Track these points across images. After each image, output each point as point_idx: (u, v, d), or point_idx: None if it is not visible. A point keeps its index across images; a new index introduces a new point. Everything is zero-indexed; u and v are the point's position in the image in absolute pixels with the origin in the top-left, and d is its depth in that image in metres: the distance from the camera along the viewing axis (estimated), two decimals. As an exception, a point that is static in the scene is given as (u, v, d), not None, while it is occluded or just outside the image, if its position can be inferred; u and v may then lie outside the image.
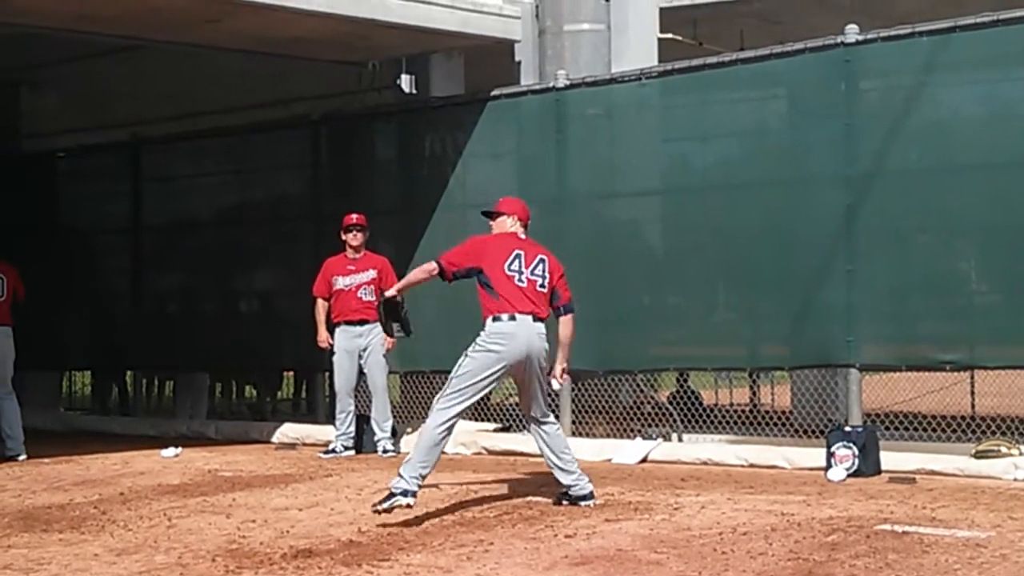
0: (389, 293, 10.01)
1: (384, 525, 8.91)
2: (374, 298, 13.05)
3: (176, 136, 18.05)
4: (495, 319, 9.36)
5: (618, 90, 13.48)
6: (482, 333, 9.35)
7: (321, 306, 13.46)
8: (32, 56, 17.85)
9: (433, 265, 9.60)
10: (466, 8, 14.43)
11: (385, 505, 8.96)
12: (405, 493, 9.01)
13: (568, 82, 13.61)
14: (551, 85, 13.80)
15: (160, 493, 10.91)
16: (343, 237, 13.36)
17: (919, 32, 11.45)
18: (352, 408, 13.37)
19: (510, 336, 9.30)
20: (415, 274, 9.83)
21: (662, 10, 15.55)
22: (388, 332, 10.26)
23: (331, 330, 13.41)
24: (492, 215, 9.92)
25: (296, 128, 16.33)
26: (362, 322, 13.19)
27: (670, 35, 15.59)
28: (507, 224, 9.84)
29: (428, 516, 9.29)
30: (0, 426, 13.76)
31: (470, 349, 9.33)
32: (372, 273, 13.19)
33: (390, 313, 9.91)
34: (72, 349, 18.60)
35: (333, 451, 13.33)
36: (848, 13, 13.30)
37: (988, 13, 11.11)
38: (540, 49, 15.03)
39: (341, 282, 13.28)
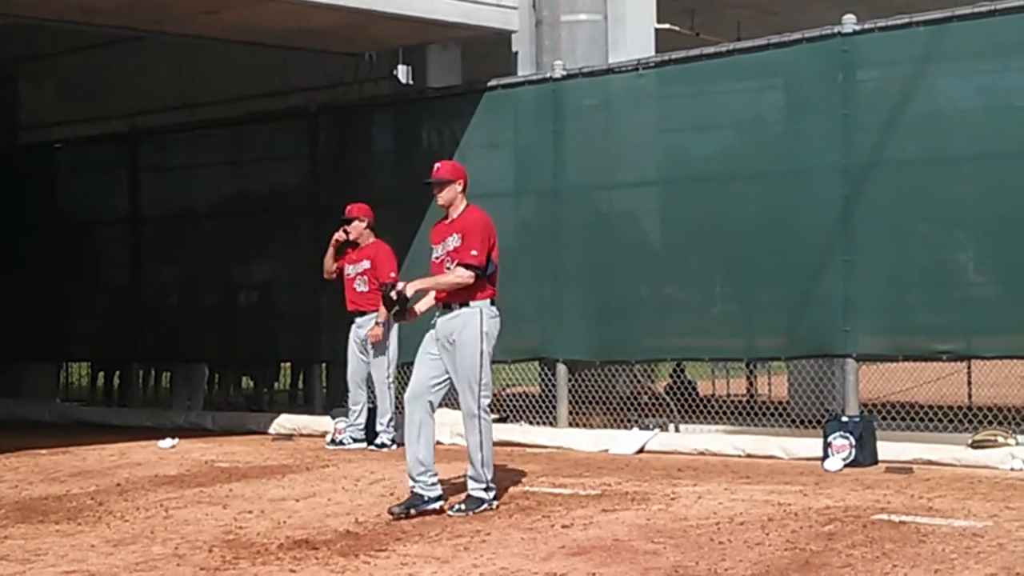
0: (401, 286, 9.21)
1: (382, 515, 8.92)
2: (368, 289, 13.08)
3: (174, 127, 18.05)
4: (493, 302, 9.27)
5: (615, 80, 13.46)
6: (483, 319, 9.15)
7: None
8: (30, 47, 17.86)
9: (470, 274, 9.10)
10: (465, -1, 14.44)
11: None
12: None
13: (565, 72, 13.60)
14: (548, 75, 13.79)
15: (157, 484, 10.93)
16: None
17: (916, 22, 11.43)
18: (364, 400, 13.32)
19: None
20: (451, 282, 9.14)
21: (659, 0, 15.54)
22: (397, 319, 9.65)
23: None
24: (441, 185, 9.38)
25: (294, 119, 16.33)
26: (359, 313, 13.20)
27: (667, 25, 15.59)
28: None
29: (425, 506, 9.31)
30: None
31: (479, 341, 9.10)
32: (366, 264, 13.18)
33: (387, 303, 9.35)
34: (69, 340, 18.61)
35: (339, 443, 13.32)
36: (845, 3, 13.28)
37: (985, 3, 11.10)
38: (537, 39, 15.03)
39: (348, 271, 13.31)
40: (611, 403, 13.50)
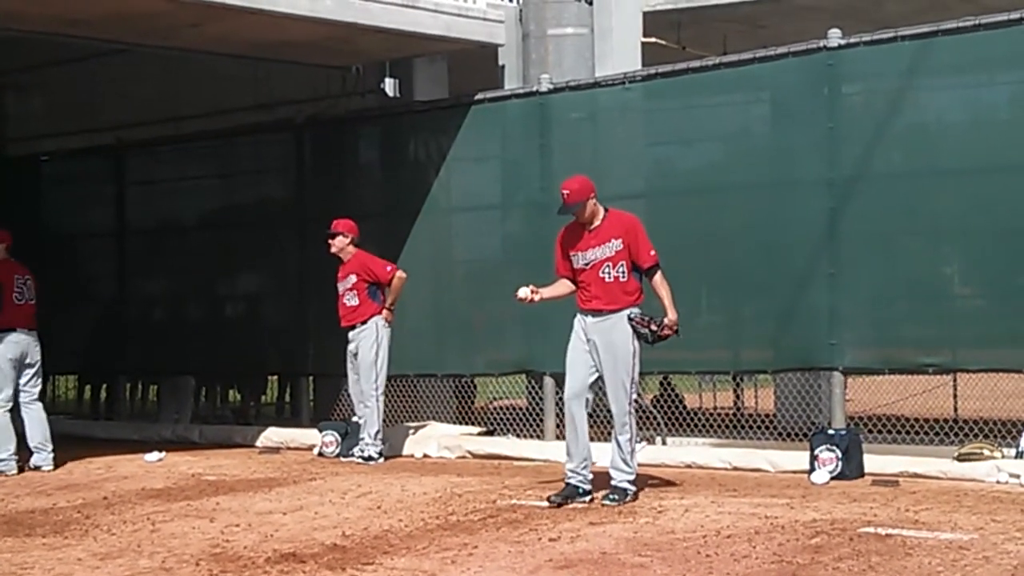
0: (669, 321, 9.82)
1: (369, 529, 8.92)
2: (359, 302, 13.06)
3: (161, 140, 18.04)
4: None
5: (602, 94, 13.49)
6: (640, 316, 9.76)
7: None
8: (17, 60, 17.83)
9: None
10: (450, 12, 14.44)
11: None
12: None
13: (552, 86, 13.62)
14: (535, 89, 13.81)
15: (144, 497, 10.91)
16: None
17: (902, 36, 11.47)
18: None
19: None
20: (669, 288, 9.95)
21: (645, 14, 15.59)
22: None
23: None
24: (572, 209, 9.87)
25: (280, 132, 16.32)
26: (352, 327, 13.17)
27: (654, 39, 15.63)
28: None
29: (412, 520, 9.31)
30: (27, 437, 12.99)
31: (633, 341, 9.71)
32: (353, 279, 13.17)
33: (639, 335, 9.77)
34: (57, 353, 18.51)
35: (349, 455, 13.26)
36: (831, 17, 13.34)
37: (970, 17, 11.15)
38: (524, 53, 15.06)
39: (339, 288, 13.29)
40: (598, 416, 13.48)
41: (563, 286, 10.07)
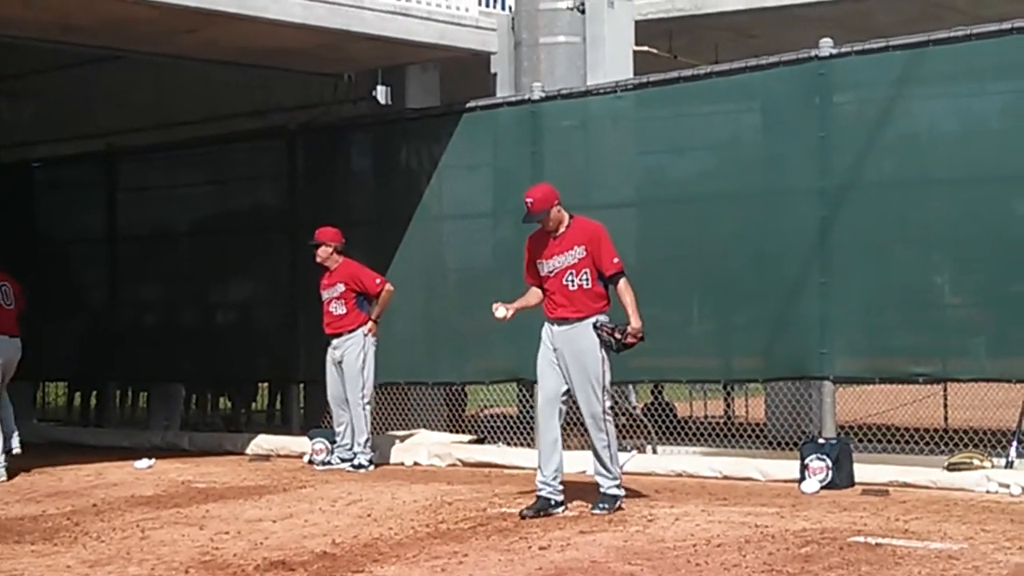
0: (632, 329, 9.69)
1: (359, 537, 8.91)
2: (346, 311, 13.06)
3: (152, 147, 18.01)
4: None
5: (593, 102, 13.50)
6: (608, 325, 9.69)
7: None
8: (9, 66, 17.81)
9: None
10: (443, 20, 14.45)
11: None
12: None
13: (544, 94, 13.62)
14: (527, 97, 13.81)
15: (133, 505, 10.89)
16: None
17: (893, 46, 11.48)
18: (346, 419, 13.24)
19: None
20: (633, 296, 9.86)
21: (637, 23, 15.60)
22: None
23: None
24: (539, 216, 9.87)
25: (272, 139, 16.30)
26: (337, 335, 13.16)
27: (645, 48, 15.63)
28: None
29: (402, 528, 9.30)
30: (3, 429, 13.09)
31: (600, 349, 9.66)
32: (341, 288, 13.16)
33: (604, 342, 9.72)
34: (47, 360, 18.50)
35: (327, 463, 13.28)
36: (823, 27, 13.35)
37: (961, 28, 11.17)
38: (516, 61, 15.07)
39: (323, 296, 13.28)
40: (583, 424, 13.47)
41: (533, 296, 10.01)
